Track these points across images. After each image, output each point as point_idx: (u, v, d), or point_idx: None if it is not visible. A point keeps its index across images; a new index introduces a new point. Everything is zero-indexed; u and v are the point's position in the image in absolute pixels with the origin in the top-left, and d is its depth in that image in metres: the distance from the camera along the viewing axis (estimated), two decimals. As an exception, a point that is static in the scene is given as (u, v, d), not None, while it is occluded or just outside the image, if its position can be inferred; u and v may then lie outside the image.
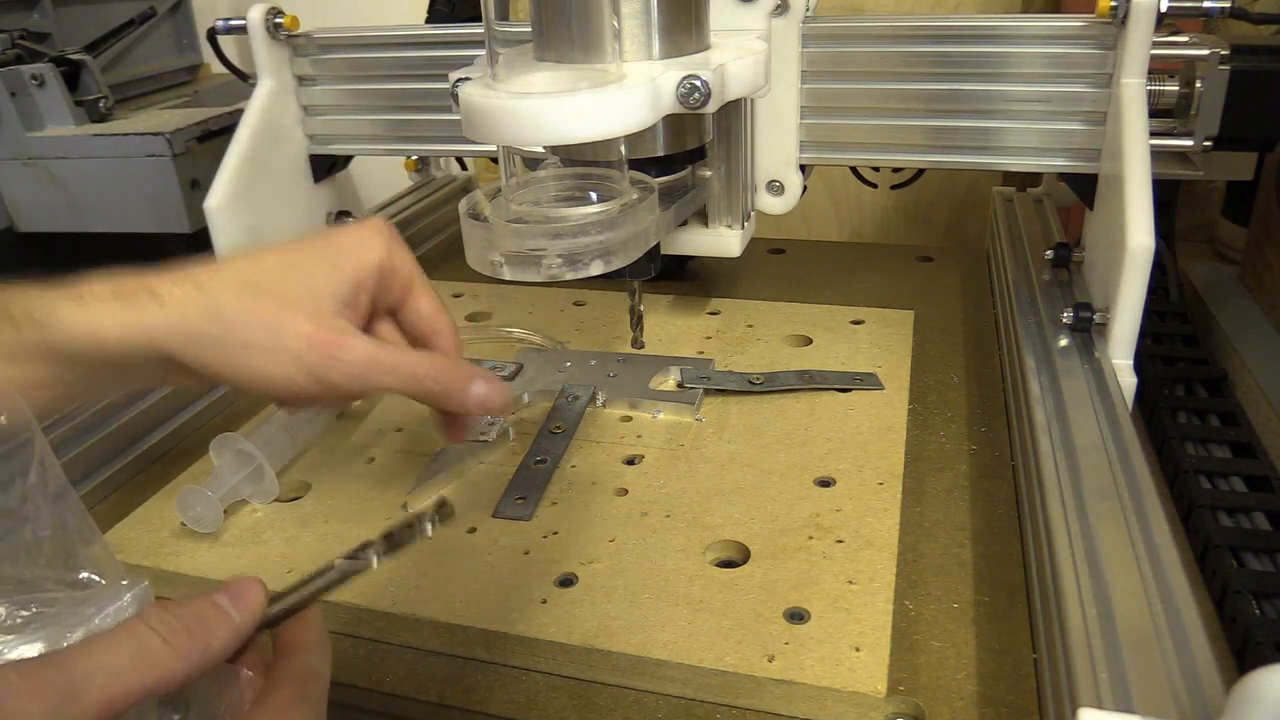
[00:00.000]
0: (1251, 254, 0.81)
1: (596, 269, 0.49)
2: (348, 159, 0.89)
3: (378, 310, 0.40)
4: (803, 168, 0.72)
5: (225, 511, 0.55)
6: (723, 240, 0.72)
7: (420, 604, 0.47)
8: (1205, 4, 0.60)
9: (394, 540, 0.35)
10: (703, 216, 0.72)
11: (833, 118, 0.70)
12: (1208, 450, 0.61)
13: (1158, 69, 0.63)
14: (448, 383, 0.38)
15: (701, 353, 0.71)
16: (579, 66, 0.50)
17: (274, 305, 0.35)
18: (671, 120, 0.56)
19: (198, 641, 0.29)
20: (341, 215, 0.89)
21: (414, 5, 1.08)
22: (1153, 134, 0.59)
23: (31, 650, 0.28)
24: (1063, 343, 0.60)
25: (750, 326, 0.75)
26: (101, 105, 1.13)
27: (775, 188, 0.73)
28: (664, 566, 0.49)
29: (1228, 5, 0.60)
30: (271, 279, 0.36)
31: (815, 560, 0.49)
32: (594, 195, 0.52)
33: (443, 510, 0.35)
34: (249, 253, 0.37)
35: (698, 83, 0.51)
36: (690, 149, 0.61)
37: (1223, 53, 0.62)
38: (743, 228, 0.71)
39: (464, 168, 1.11)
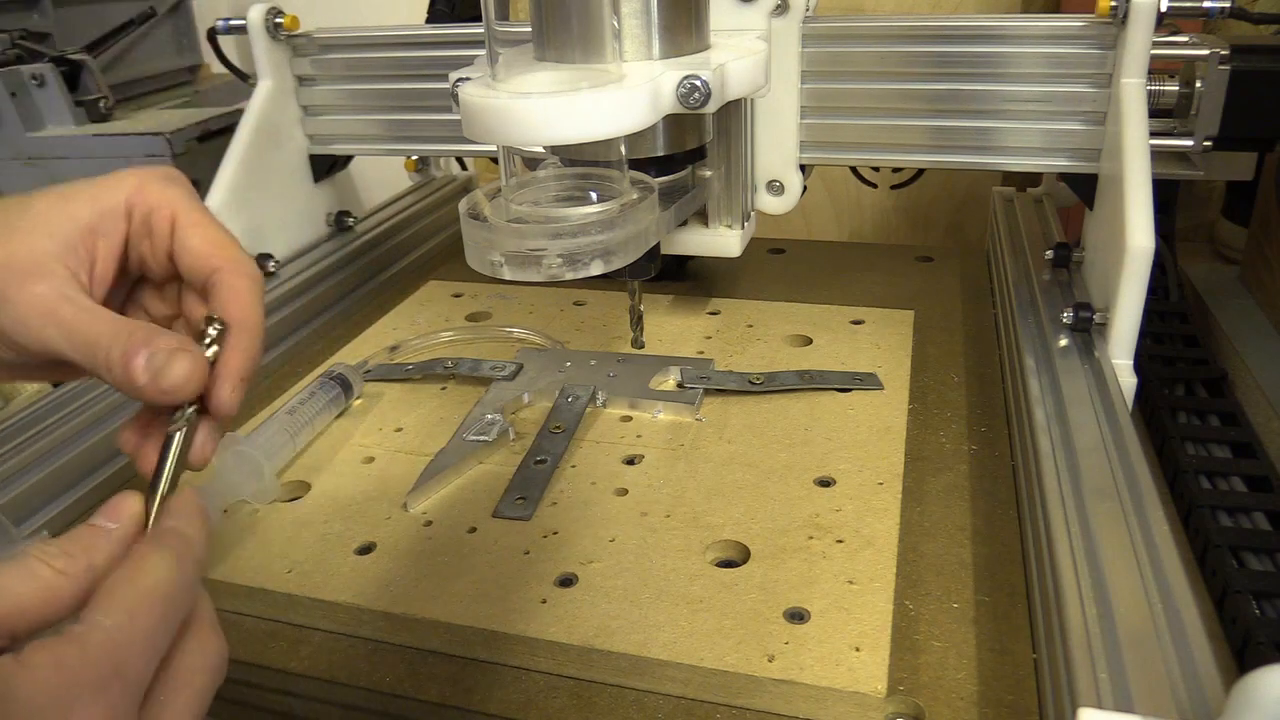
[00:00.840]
0: (1251, 254, 0.81)
1: (596, 269, 0.49)
2: (348, 159, 0.89)
3: (147, 264, 0.36)
4: (803, 168, 0.73)
5: (225, 511, 0.55)
6: (723, 240, 0.72)
7: (420, 604, 0.47)
8: (1205, 4, 0.60)
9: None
10: (703, 216, 0.72)
11: (833, 118, 0.70)
12: (1208, 450, 0.61)
13: (1158, 69, 0.63)
14: (108, 349, 0.32)
15: (701, 353, 0.71)
16: (579, 66, 0.50)
17: None
18: (671, 120, 0.56)
19: (79, 560, 0.28)
20: (342, 215, 0.89)
21: (414, 5, 1.08)
22: (1153, 134, 0.59)
23: None
24: (1063, 343, 0.60)
25: (750, 326, 0.75)
26: (102, 105, 1.13)
27: (775, 188, 0.73)
28: (664, 566, 0.49)
29: (1228, 5, 0.60)
30: None
31: (815, 560, 0.49)
32: (594, 195, 0.52)
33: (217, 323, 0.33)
34: None
35: (698, 83, 0.51)
36: (690, 149, 0.61)
37: (1223, 53, 0.62)
38: (743, 228, 0.71)
39: (464, 168, 1.11)
